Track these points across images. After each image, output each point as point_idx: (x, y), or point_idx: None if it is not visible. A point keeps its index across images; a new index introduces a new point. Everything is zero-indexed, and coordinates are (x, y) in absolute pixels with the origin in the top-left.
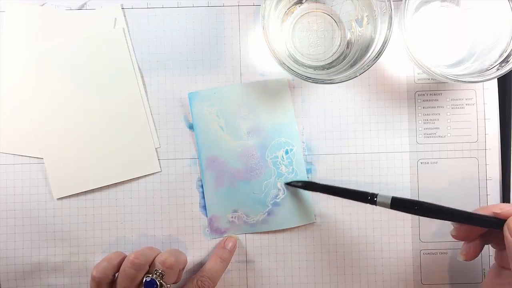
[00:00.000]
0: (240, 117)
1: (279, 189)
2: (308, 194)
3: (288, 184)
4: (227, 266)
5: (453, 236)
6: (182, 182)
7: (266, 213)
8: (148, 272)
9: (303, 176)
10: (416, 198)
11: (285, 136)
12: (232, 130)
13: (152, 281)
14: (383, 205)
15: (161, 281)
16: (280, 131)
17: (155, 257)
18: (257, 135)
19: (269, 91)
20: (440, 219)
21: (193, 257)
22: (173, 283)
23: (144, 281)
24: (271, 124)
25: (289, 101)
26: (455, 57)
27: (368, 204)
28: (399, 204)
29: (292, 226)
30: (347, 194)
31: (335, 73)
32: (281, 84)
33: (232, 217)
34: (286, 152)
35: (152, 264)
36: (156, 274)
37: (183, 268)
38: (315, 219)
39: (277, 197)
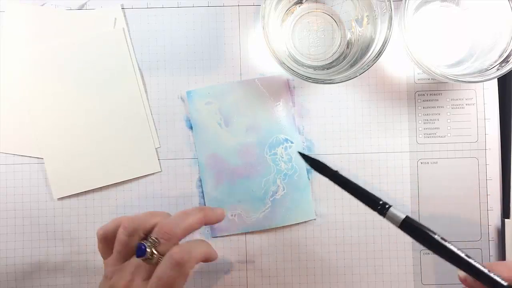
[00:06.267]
0: (239, 114)
1: (278, 186)
2: (308, 191)
3: (301, 154)
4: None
5: (461, 280)
6: (182, 182)
7: (266, 210)
8: (146, 238)
9: (303, 174)
10: (416, 199)
11: (284, 132)
12: (231, 127)
13: (141, 246)
14: (391, 220)
15: (152, 249)
16: (279, 128)
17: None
18: (256, 132)
19: (268, 88)
20: (446, 260)
21: None
22: None
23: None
24: (270, 121)
25: (287, 98)
26: (455, 57)
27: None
28: (409, 227)
29: (292, 223)
30: (356, 193)
31: (335, 73)
32: (279, 80)
33: (232, 215)
34: (285, 149)
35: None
36: (149, 241)
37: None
38: (315, 216)
39: (277, 194)
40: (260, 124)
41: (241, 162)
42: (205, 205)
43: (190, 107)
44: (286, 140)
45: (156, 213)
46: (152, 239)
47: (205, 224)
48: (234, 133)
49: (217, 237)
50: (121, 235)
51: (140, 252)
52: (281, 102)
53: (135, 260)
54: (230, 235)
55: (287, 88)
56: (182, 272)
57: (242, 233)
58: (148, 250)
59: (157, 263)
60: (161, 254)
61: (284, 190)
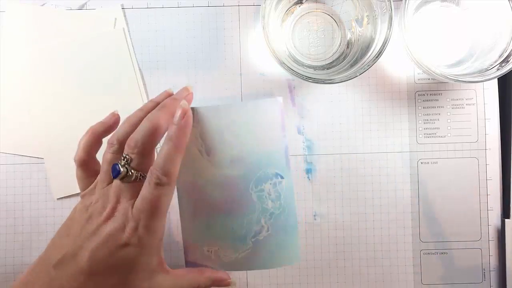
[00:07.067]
0: (223, 142)
1: (262, 226)
2: (296, 233)
3: None
4: (181, 149)
5: None
6: None
7: (246, 251)
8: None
9: (292, 214)
10: (416, 199)
11: (274, 166)
12: (213, 156)
13: (115, 166)
14: None
15: (127, 166)
16: (269, 161)
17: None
18: (242, 163)
19: (258, 114)
20: None
21: None
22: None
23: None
24: (259, 152)
25: (279, 126)
26: (455, 57)
27: (368, 204)
28: None
29: (274, 268)
30: None
31: (335, 73)
32: (272, 105)
33: (208, 251)
34: (274, 185)
35: None
36: (122, 159)
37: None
38: (300, 260)
39: (260, 235)
40: (246, 156)
41: (222, 196)
42: (181, 235)
43: None
44: (276, 175)
45: (130, 119)
46: (124, 157)
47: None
48: (216, 163)
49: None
50: (108, 155)
51: (115, 172)
52: (273, 131)
53: (116, 183)
54: None
55: (282, 113)
56: (165, 190)
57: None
58: (122, 169)
59: (136, 179)
60: (137, 170)
61: (268, 231)
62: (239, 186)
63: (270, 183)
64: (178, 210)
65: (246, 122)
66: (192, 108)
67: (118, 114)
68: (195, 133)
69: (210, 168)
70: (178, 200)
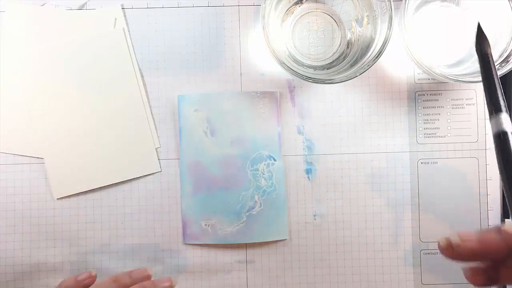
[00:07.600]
0: (225, 126)
1: (255, 202)
2: (284, 210)
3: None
4: None
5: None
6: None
7: (240, 225)
8: None
9: (281, 193)
10: (416, 199)
11: (269, 149)
12: (216, 137)
13: None
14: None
15: None
16: (264, 144)
17: None
18: (241, 145)
19: (258, 104)
20: None
21: (200, 257)
22: None
23: None
24: (256, 136)
25: (275, 115)
26: (455, 57)
27: (368, 204)
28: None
29: (264, 241)
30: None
31: (335, 73)
32: (271, 97)
33: (205, 225)
34: (268, 166)
35: None
36: None
37: None
38: (288, 236)
39: (253, 210)
40: (245, 138)
41: (222, 173)
42: (181, 211)
43: (179, 112)
44: (270, 157)
45: (120, 279)
46: None
47: None
48: (219, 143)
49: (188, 244)
50: None
51: None
52: (269, 119)
53: None
54: (201, 244)
55: (278, 106)
56: None
57: (213, 243)
58: None
59: None
60: None
61: (261, 206)
62: (237, 165)
63: (264, 164)
64: (180, 189)
65: (247, 109)
66: (201, 95)
67: (95, 275)
68: (202, 117)
69: (213, 147)
70: (181, 178)
